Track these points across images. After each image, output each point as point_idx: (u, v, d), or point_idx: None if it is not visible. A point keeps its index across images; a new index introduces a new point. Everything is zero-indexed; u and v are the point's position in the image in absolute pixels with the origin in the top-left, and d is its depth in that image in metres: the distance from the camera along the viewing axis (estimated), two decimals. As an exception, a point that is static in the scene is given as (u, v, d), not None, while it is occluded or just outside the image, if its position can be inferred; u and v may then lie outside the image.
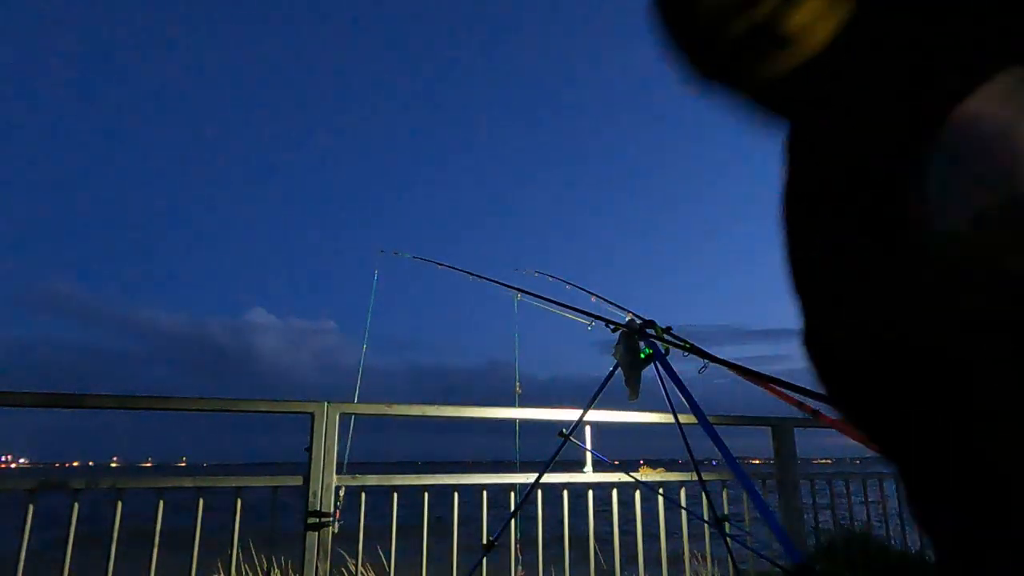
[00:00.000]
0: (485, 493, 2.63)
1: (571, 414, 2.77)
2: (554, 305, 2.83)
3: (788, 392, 2.18)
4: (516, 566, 2.74)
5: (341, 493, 2.48)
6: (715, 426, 2.04)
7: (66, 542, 2.08)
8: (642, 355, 2.96)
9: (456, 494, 2.59)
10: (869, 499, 3.55)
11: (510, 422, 2.92)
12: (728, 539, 2.24)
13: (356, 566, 2.52)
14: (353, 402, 2.58)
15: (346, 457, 2.51)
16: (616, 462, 2.85)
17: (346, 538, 2.51)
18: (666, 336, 2.81)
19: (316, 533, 2.29)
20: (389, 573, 2.59)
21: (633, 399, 2.94)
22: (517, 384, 3.39)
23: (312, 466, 2.35)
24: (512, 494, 2.72)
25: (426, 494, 2.56)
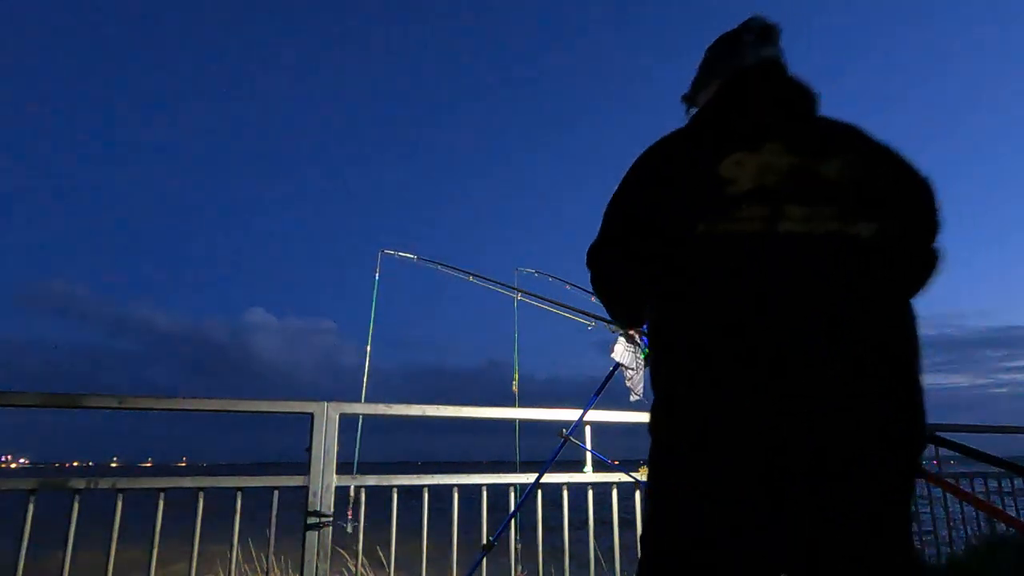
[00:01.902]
0: (485, 493, 2.63)
1: (571, 414, 2.77)
2: (554, 305, 2.84)
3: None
4: (516, 566, 2.74)
5: (354, 493, 2.49)
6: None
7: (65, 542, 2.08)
8: (642, 355, 2.96)
9: (456, 494, 2.59)
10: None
11: (510, 422, 2.92)
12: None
13: (356, 566, 2.52)
14: (356, 402, 2.58)
15: (356, 457, 2.52)
16: (616, 462, 2.85)
17: (346, 538, 2.51)
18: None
19: (316, 533, 2.29)
20: (389, 573, 2.59)
21: (636, 399, 2.94)
22: (515, 383, 3.40)
23: (312, 466, 2.35)
24: (512, 494, 2.71)
25: (426, 494, 2.56)
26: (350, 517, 2.44)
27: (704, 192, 1.02)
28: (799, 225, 0.96)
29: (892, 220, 1.01)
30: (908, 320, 0.98)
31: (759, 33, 1.21)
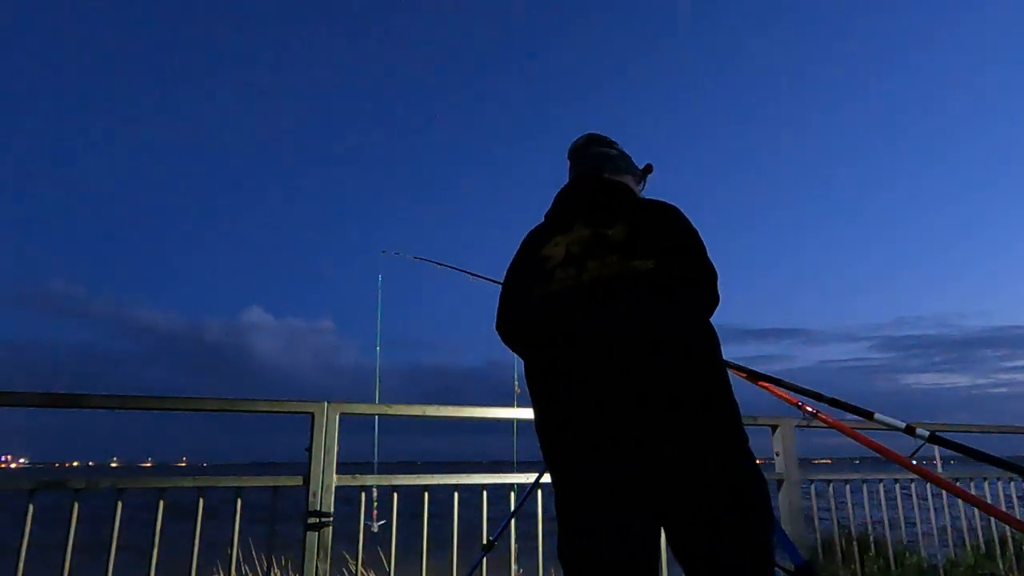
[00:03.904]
0: (485, 493, 2.63)
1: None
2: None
3: (788, 392, 2.18)
4: (516, 566, 2.74)
5: (375, 493, 2.48)
6: (715, 426, 2.03)
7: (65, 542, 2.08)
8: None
9: (456, 494, 2.59)
10: (869, 499, 3.55)
11: (510, 422, 2.92)
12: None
13: (356, 566, 2.52)
14: (355, 402, 2.57)
15: (375, 456, 2.51)
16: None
17: (346, 538, 2.51)
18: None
19: (316, 533, 2.29)
20: (389, 573, 2.59)
21: None
22: (516, 384, 3.40)
23: (312, 466, 2.35)
24: (512, 494, 2.71)
25: (426, 494, 2.56)
26: (375, 517, 2.45)
27: (535, 270, 1.49)
28: (594, 272, 1.38)
29: (664, 256, 1.38)
30: (689, 324, 1.34)
31: (577, 153, 1.75)
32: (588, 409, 1.27)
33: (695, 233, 1.51)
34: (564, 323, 1.36)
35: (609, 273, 1.37)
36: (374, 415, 2.63)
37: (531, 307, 1.45)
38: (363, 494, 2.55)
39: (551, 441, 1.37)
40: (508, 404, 2.94)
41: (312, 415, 2.40)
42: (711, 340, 1.37)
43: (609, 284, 1.35)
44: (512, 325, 1.54)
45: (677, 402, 1.23)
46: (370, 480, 2.51)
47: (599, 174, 1.65)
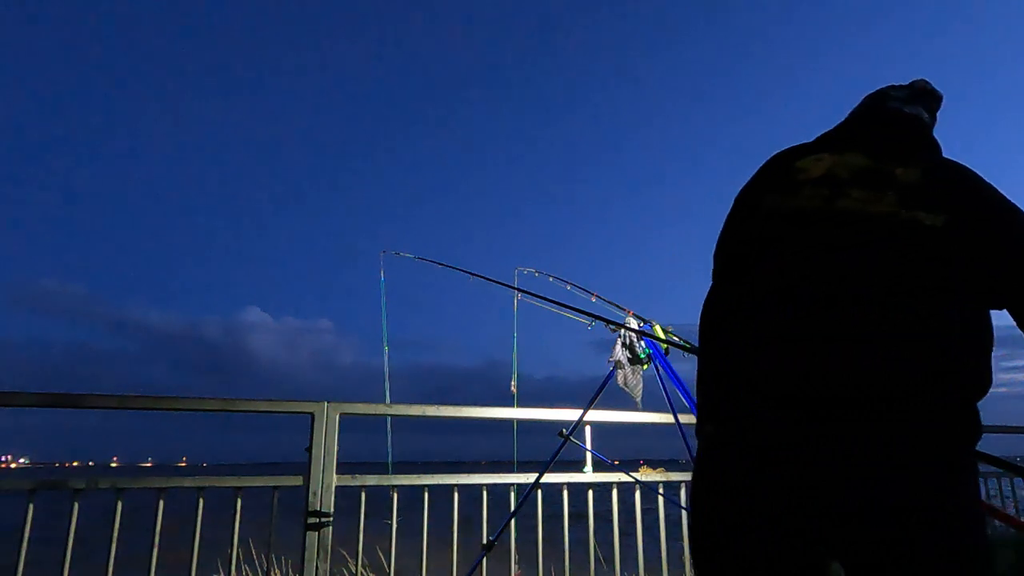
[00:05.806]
0: (485, 493, 2.63)
1: (571, 414, 2.77)
2: (554, 305, 2.83)
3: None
4: (516, 566, 2.74)
5: (394, 494, 2.49)
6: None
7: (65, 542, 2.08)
8: (642, 355, 2.96)
9: (456, 494, 2.59)
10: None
11: (510, 422, 2.92)
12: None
13: (356, 566, 2.52)
14: (355, 402, 2.57)
15: (390, 456, 2.50)
16: (616, 462, 2.85)
17: (346, 538, 2.51)
18: (666, 336, 2.82)
19: (316, 533, 2.29)
20: (389, 573, 2.59)
21: (636, 398, 2.93)
22: (513, 384, 3.40)
23: (312, 466, 2.35)
24: (512, 494, 2.71)
25: (426, 494, 2.56)
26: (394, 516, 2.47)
27: (780, 179, 1.17)
28: (855, 202, 1.04)
29: (964, 218, 1.01)
30: (943, 307, 0.96)
31: (909, 91, 1.27)
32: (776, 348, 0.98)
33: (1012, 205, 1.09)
34: (790, 249, 1.06)
35: (874, 211, 1.02)
36: (374, 415, 2.63)
37: (760, 211, 1.15)
38: (363, 493, 2.55)
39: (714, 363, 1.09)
40: (508, 404, 2.94)
41: (312, 415, 2.39)
42: (968, 346, 1.01)
43: (867, 223, 1.02)
44: (732, 236, 1.22)
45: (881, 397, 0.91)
46: (371, 480, 2.51)
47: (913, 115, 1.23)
